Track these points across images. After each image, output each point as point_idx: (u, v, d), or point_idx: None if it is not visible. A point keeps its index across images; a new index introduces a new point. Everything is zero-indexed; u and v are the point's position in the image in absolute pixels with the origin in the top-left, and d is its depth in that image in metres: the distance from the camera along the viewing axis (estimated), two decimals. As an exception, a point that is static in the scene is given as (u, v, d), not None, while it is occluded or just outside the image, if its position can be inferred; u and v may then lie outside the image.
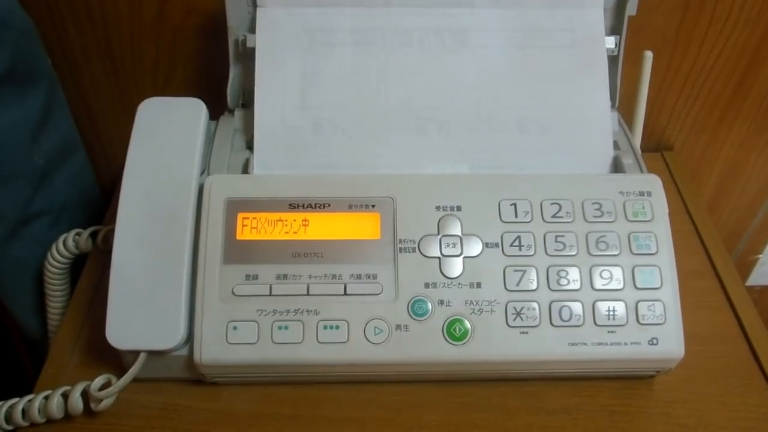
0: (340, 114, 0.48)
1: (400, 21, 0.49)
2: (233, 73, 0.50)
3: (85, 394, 0.42)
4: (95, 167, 0.62)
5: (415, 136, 0.48)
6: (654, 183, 0.44)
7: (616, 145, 0.49)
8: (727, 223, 0.73)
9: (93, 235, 0.51)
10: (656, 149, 0.65)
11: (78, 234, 0.51)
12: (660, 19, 0.56)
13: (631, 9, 0.49)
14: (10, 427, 0.42)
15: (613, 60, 0.50)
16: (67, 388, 0.42)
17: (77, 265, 0.53)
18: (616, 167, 0.48)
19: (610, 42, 0.50)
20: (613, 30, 0.50)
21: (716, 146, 0.66)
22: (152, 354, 0.42)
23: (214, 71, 0.56)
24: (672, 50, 0.58)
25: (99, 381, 0.42)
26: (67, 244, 0.51)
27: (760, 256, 0.76)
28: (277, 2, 0.49)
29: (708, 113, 0.63)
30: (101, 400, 0.41)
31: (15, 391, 0.44)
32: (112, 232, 0.49)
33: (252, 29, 0.49)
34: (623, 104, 0.52)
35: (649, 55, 0.49)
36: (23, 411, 0.41)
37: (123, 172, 0.44)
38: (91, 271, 0.52)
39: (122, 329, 0.41)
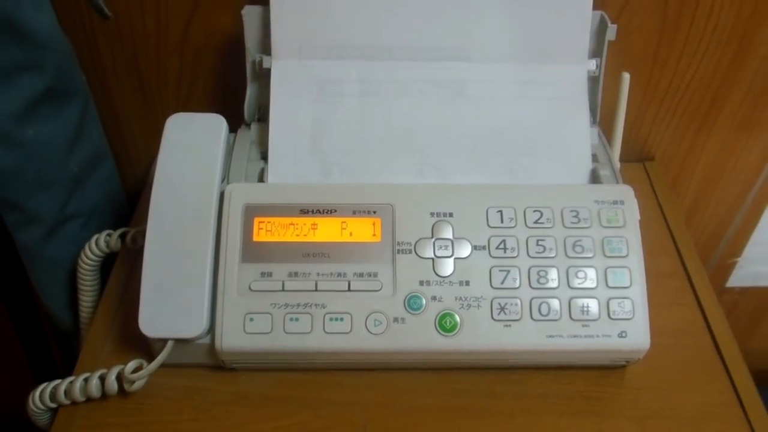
0: (346, 158, 0.51)
1: (402, 73, 0.52)
2: (250, 90, 0.54)
3: (120, 377, 0.45)
4: (121, 174, 0.65)
5: (416, 179, 0.51)
6: (627, 193, 0.48)
7: (595, 158, 0.53)
8: (707, 228, 0.76)
9: (122, 236, 0.54)
10: (639, 159, 0.68)
11: (109, 235, 0.54)
12: (639, 41, 0.60)
13: (611, 35, 0.53)
14: (54, 405, 0.46)
15: (594, 81, 0.54)
16: (104, 371, 0.46)
17: (106, 263, 0.56)
18: (594, 178, 0.51)
19: (591, 65, 0.53)
20: (595, 53, 0.54)
21: (695, 156, 0.69)
22: (178, 342, 0.45)
23: (232, 86, 0.59)
24: (651, 68, 0.61)
25: (132, 365, 0.45)
26: (99, 243, 0.54)
27: (739, 259, 0.79)
28: (290, 55, 0.52)
29: (686, 126, 0.66)
30: (134, 382, 0.45)
31: (45, 376, 0.48)
32: (139, 233, 0.54)
33: (267, 51, 0.52)
34: (605, 118, 0.55)
35: (626, 76, 0.52)
36: (65, 391, 0.45)
37: (151, 179, 0.46)
38: (121, 268, 0.55)
39: (153, 320, 0.45)
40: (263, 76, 0.54)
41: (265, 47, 0.53)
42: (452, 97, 0.52)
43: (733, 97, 0.64)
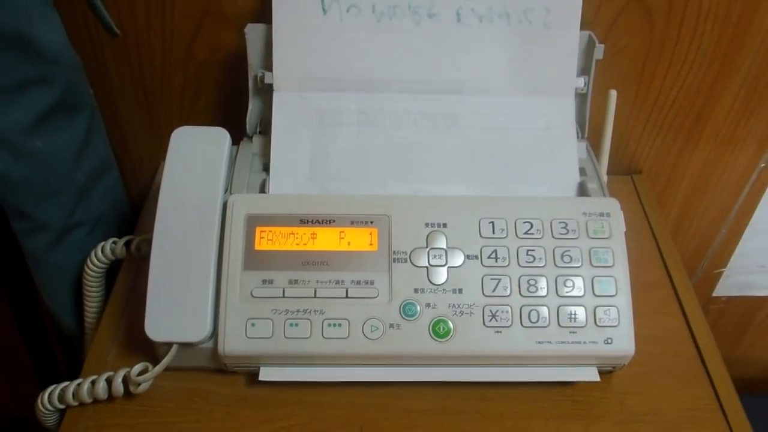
0: (344, 185, 0.53)
1: (398, 105, 0.54)
2: (252, 105, 0.56)
3: (126, 379, 0.47)
4: (126, 183, 0.67)
5: None
6: (613, 205, 0.50)
7: (583, 172, 0.55)
8: (693, 239, 0.78)
9: (127, 244, 0.56)
10: (627, 172, 0.70)
11: (114, 242, 0.56)
12: (626, 60, 0.62)
13: (598, 54, 0.55)
14: (62, 406, 0.47)
15: (582, 97, 0.56)
16: (111, 373, 0.47)
17: (111, 270, 0.57)
18: (582, 191, 0.53)
19: (580, 82, 0.55)
20: (583, 71, 0.56)
21: (680, 170, 0.71)
22: (182, 345, 0.47)
23: (234, 100, 0.61)
24: (637, 86, 0.64)
25: (138, 368, 0.47)
26: (104, 251, 0.56)
27: (724, 269, 0.81)
28: (291, 87, 0.54)
29: (672, 141, 0.68)
30: (139, 384, 0.47)
31: (49, 380, 0.49)
32: (144, 241, 0.55)
33: (269, 67, 0.54)
34: (593, 133, 0.57)
35: (613, 93, 0.54)
36: (73, 393, 0.47)
37: (155, 189, 0.49)
38: (126, 275, 0.57)
39: (158, 324, 0.46)
40: (265, 91, 0.56)
41: (267, 63, 0.55)
42: (446, 128, 0.55)
43: (716, 114, 0.66)
